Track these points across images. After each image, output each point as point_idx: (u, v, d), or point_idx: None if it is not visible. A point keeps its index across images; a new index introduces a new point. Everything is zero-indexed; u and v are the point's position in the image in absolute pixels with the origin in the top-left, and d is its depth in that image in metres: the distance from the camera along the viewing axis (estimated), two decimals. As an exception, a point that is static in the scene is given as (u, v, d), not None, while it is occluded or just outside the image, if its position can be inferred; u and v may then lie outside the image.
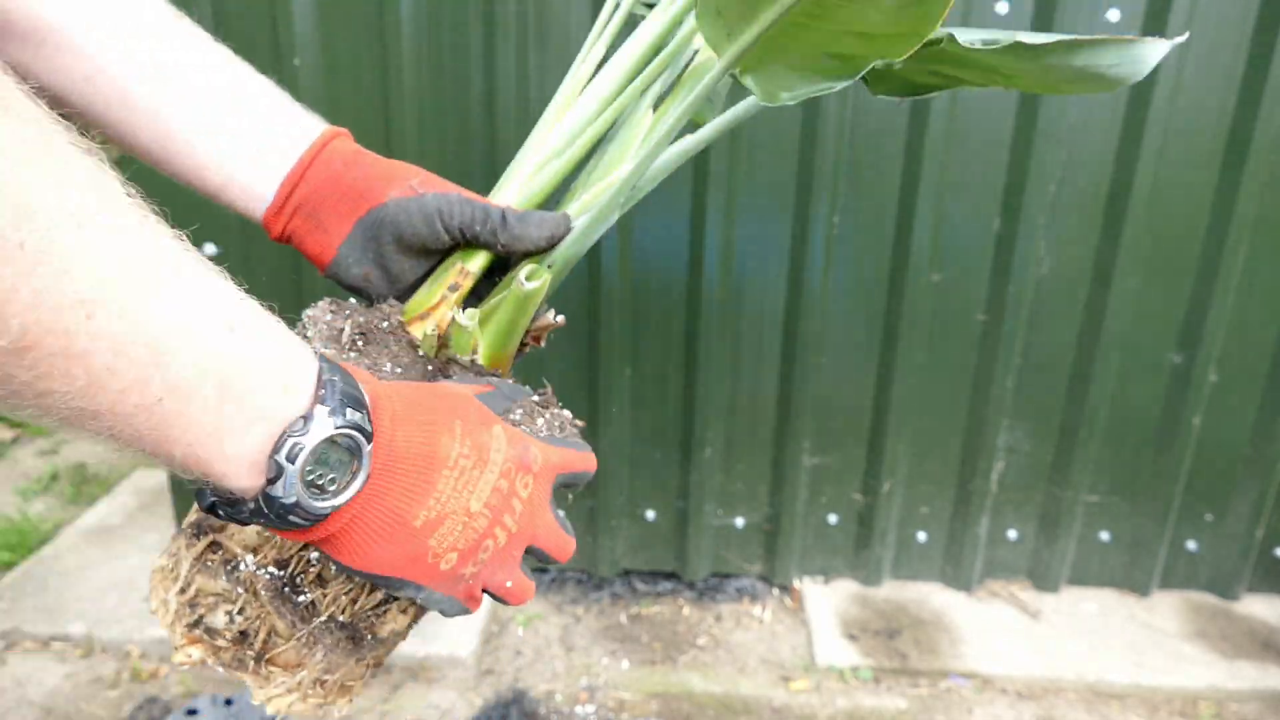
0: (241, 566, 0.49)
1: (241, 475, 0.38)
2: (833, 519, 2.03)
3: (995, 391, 1.88)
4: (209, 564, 0.50)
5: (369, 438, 0.41)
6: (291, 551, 0.49)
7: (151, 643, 1.81)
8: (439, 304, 0.55)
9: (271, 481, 0.38)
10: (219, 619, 0.49)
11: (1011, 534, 2.03)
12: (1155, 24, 1.64)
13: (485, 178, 1.22)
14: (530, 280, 0.53)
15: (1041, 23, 1.64)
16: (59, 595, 1.93)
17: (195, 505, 0.49)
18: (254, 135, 0.57)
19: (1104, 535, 2.02)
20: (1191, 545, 2.03)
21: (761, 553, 2.07)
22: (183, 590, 0.50)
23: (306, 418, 0.39)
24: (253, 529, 0.50)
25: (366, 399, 0.42)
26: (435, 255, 0.58)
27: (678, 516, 2.03)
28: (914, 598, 2.04)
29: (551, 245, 0.55)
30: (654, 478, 2.01)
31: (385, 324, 0.56)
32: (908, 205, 1.77)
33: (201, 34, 0.58)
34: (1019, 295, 1.80)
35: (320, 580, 0.50)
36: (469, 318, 0.55)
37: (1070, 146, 1.73)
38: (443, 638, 1.84)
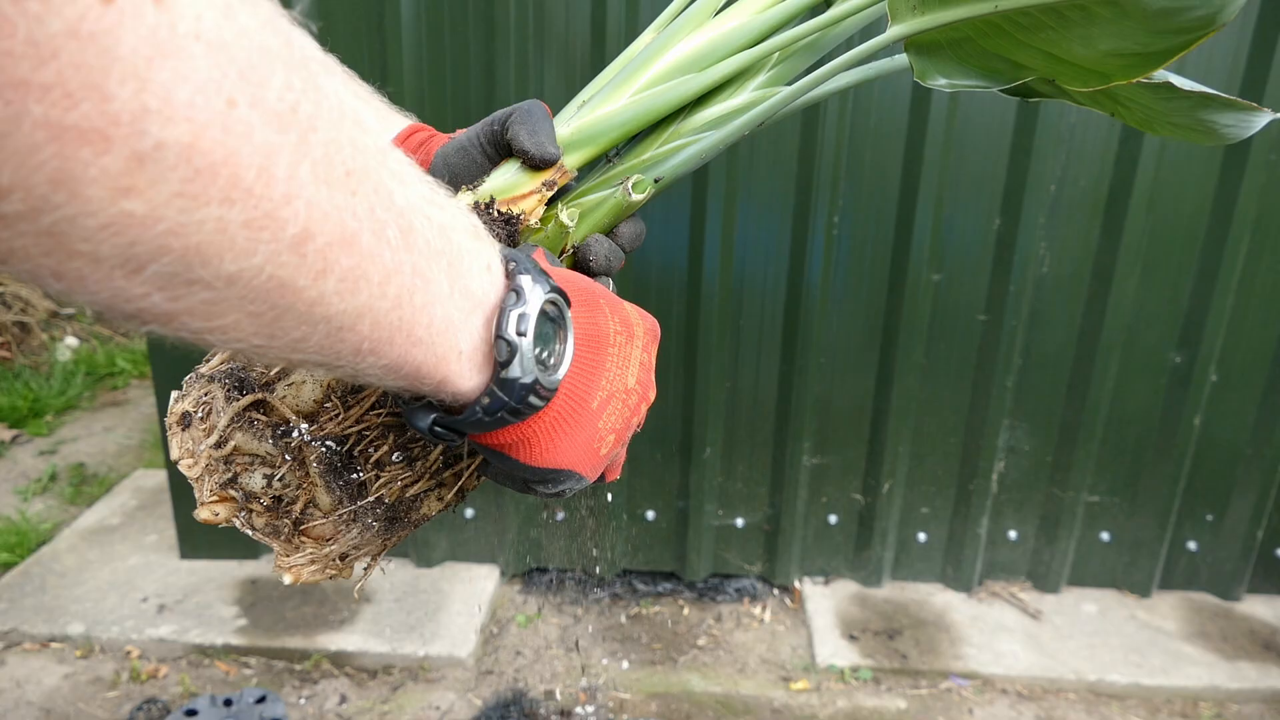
0: (294, 433, 0.47)
1: (472, 372, 0.36)
2: (833, 519, 2.03)
3: (995, 391, 1.87)
4: (255, 423, 0.47)
5: (569, 303, 0.40)
6: (350, 427, 0.47)
7: (151, 643, 1.81)
8: (528, 194, 0.54)
9: (505, 365, 0.36)
10: (256, 481, 0.47)
11: (1012, 534, 2.03)
12: (1155, 24, 1.64)
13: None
14: (636, 191, 0.53)
15: (1041, 23, 1.64)
16: (58, 595, 1.93)
17: (188, 377, 0.48)
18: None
19: (1104, 535, 2.02)
20: (1192, 545, 2.03)
21: (761, 553, 2.07)
22: (218, 445, 0.47)
23: (516, 291, 0.37)
24: (309, 393, 0.47)
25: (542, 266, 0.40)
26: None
27: (678, 516, 2.03)
28: (914, 598, 2.04)
29: (536, 164, 0.53)
30: (654, 478, 2.01)
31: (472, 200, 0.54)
32: (908, 205, 1.77)
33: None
34: (1019, 295, 1.80)
35: (378, 464, 0.48)
36: (570, 217, 0.54)
37: (1070, 146, 1.73)
38: (443, 638, 1.84)
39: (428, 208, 0.33)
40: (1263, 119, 0.49)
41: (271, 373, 0.48)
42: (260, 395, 0.47)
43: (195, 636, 1.82)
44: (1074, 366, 1.88)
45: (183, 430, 0.48)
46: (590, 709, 1.73)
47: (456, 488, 0.51)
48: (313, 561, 0.48)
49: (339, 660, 1.80)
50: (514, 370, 0.36)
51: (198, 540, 2.04)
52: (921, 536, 2.04)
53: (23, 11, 0.19)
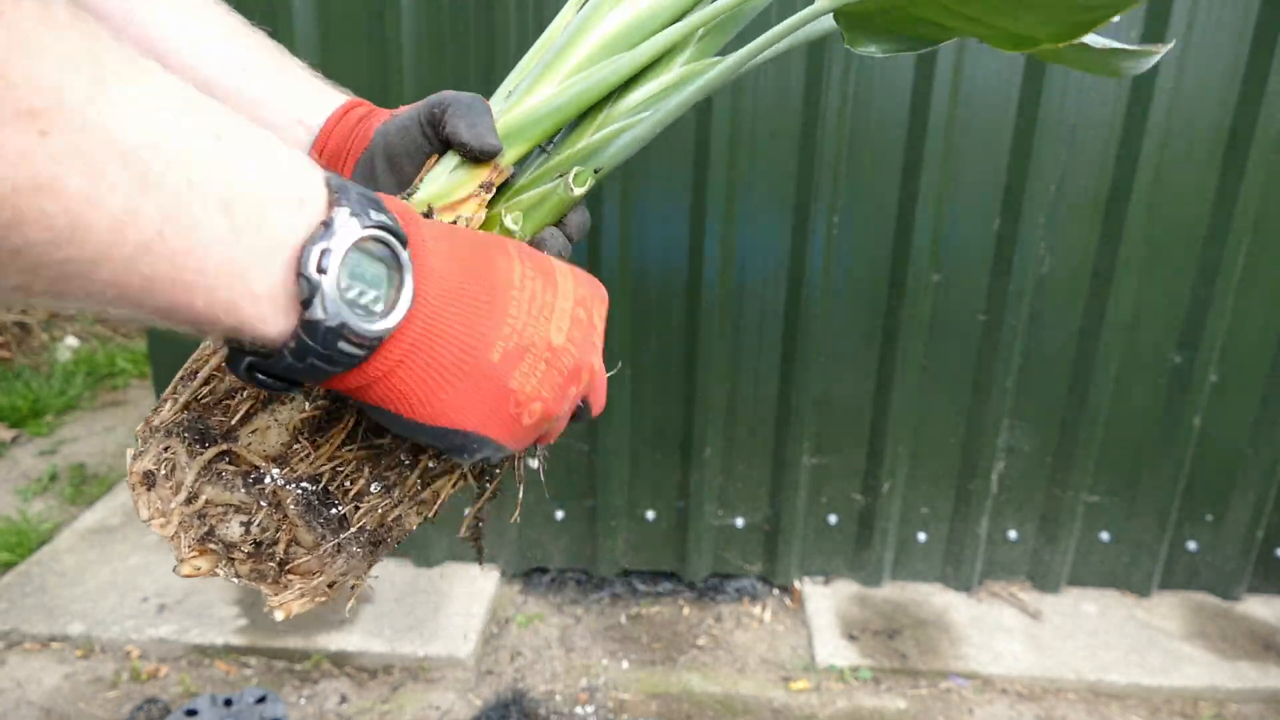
0: (266, 479, 0.46)
1: (276, 315, 0.33)
2: (833, 519, 2.03)
3: (995, 391, 1.87)
4: (223, 475, 0.46)
5: (403, 242, 0.36)
6: (323, 466, 0.47)
7: (151, 643, 1.81)
8: (467, 199, 0.52)
9: (307, 304, 0.33)
10: (233, 531, 0.46)
11: (1011, 534, 2.03)
12: (1156, 24, 1.64)
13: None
14: (577, 185, 0.52)
15: (1041, 23, 1.64)
16: (58, 595, 1.93)
17: (178, 394, 0.47)
18: (290, 113, 0.57)
19: (1104, 535, 2.02)
20: (1191, 545, 2.03)
21: (761, 553, 2.07)
22: (189, 501, 0.46)
23: (326, 223, 0.33)
24: (275, 438, 0.47)
25: (387, 205, 0.37)
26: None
27: (678, 516, 2.03)
28: (914, 598, 2.04)
29: (476, 156, 0.51)
30: (654, 478, 2.01)
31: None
32: (908, 205, 1.77)
33: (233, 15, 0.59)
34: (1019, 295, 1.80)
35: (356, 496, 0.47)
36: (514, 221, 0.53)
37: (1070, 146, 1.73)
38: (442, 638, 1.84)
39: (187, 141, 0.29)
40: (1154, 58, 0.53)
41: (233, 421, 0.48)
42: (225, 446, 0.47)
43: (195, 636, 1.82)
44: (1074, 366, 1.88)
45: (148, 490, 0.47)
46: (590, 709, 1.73)
47: (437, 503, 0.51)
48: (302, 595, 0.48)
49: (339, 660, 1.80)
50: (316, 311, 0.33)
51: (198, 540, 2.04)
52: (921, 536, 2.04)
53: None
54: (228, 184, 0.31)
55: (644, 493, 2.02)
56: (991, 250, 1.81)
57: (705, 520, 2.01)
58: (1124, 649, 1.89)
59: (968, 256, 1.81)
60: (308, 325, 0.33)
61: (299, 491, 0.46)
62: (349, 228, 0.34)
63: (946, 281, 1.83)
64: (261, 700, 1.61)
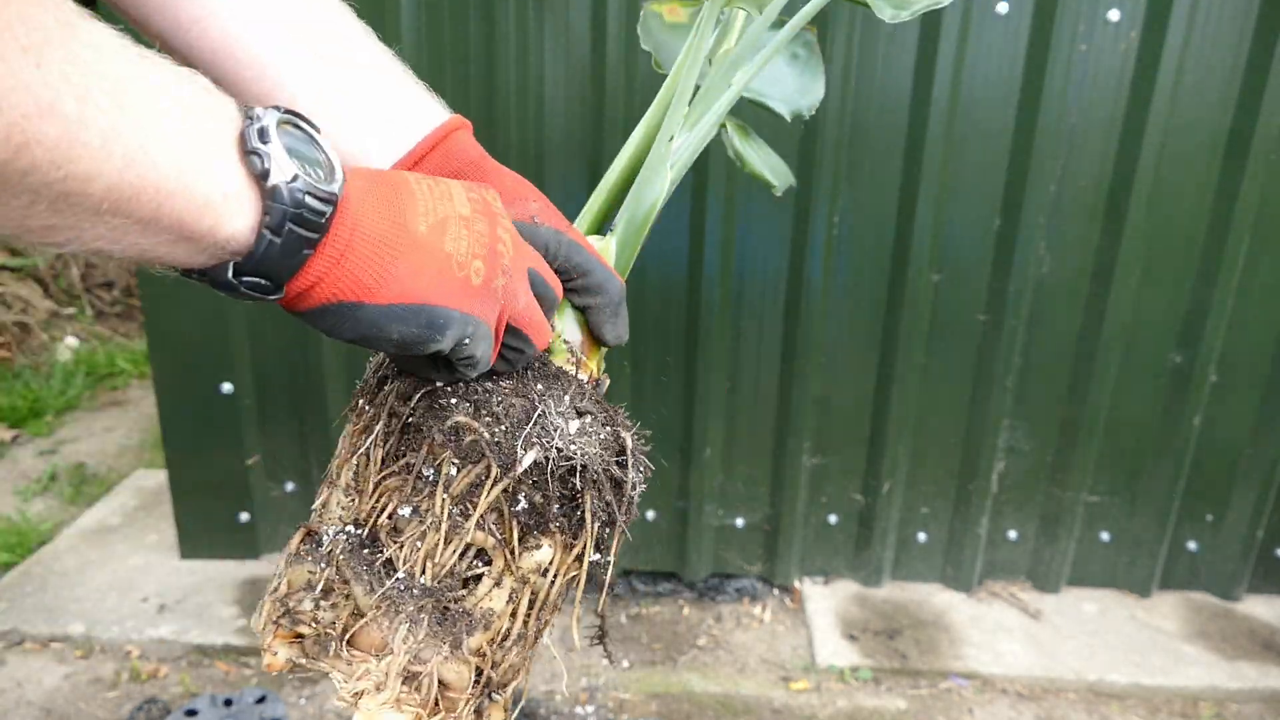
0: (324, 539, 0.49)
1: (243, 206, 0.37)
2: (833, 519, 2.03)
3: (995, 391, 1.87)
4: (300, 554, 0.50)
5: (316, 129, 0.41)
6: (368, 504, 0.49)
7: (151, 643, 1.81)
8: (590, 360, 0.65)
9: (265, 176, 0.37)
10: (305, 604, 0.49)
11: (1011, 534, 2.03)
12: (1155, 24, 1.63)
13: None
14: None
15: (1041, 22, 1.64)
16: (58, 595, 1.93)
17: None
18: (370, 108, 0.55)
19: (1104, 535, 2.02)
20: (1191, 545, 2.03)
21: (761, 553, 2.07)
22: (275, 589, 0.50)
23: (250, 117, 0.38)
24: (335, 500, 0.50)
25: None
26: None
27: (678, 516, 2.03)
28: (914, 598, 2.04)
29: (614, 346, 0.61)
30: (654, 478, 2.00)
31: None
32: (908, 205, 1.76)
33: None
34: (1019, 295, 1.80)
35: (395, 530, 0.49)
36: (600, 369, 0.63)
37: (1070, 146, 1.72)
38: (442, 638, 1.84)
39: (140, 69, 0.34)
40: None
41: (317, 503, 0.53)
42: (306, 527, 0.51)
43: (195, 636, 1.82)
44: (1074, 366, 1.88)
45: (264, 605, 0.51)
46: (590, 709, 1.73)
47: (512, 566, 0.50)
48: (378, 686, 0.46)
49: (339, 660, 1.80)
50: (275, 176, 0.37)
51: (198, 540, 2.04)
52: (921, 536, 2.04)
53: None
54: (179, 103, 0.35)
55: (644, 493, 2.02)
56: (991, 250, 1.80)
57: (705, 520, 2.01)
58: (1124, 649, 1.89)
59: (968, 256, 1.81)
60: (274, 193, 0.37)
61: (344, 538, 0.49)
62: (269, 114, 0.39)
63: (946, 281, 1.83)
64: (261, 700, 1.61)
